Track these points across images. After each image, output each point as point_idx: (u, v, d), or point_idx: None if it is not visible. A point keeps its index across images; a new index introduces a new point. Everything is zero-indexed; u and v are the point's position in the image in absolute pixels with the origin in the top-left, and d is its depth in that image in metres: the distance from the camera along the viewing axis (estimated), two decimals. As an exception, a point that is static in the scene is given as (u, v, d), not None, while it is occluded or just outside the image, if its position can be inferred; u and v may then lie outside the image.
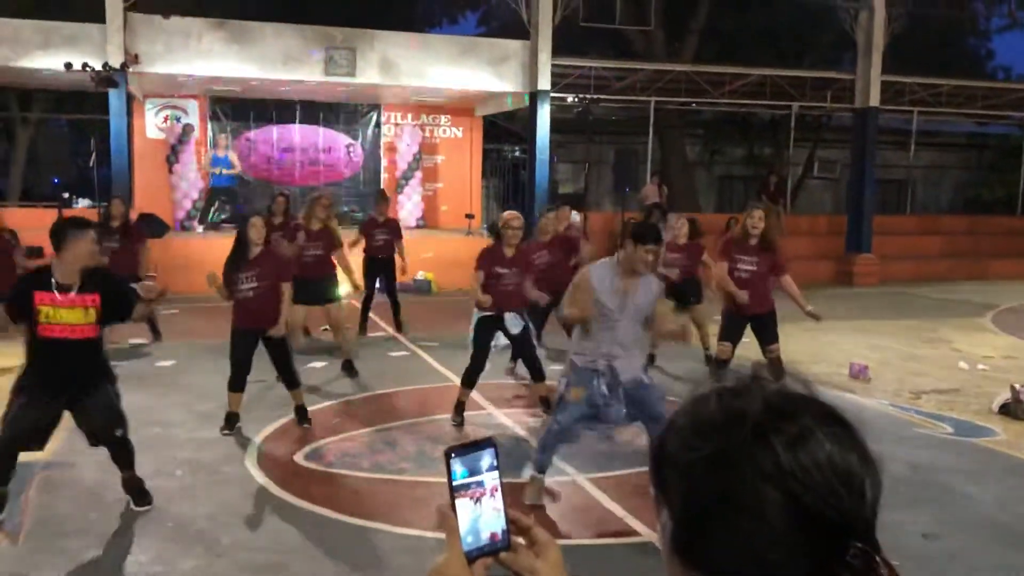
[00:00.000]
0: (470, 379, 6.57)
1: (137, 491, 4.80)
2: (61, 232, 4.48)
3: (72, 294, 4.43)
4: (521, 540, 0.97)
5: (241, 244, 6.26)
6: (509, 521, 0.97)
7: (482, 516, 0.95)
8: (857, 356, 9.04)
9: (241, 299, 6.19)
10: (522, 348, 6.69)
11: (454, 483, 0.94)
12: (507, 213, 6.74)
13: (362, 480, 5.36)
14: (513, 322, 6.45)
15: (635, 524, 4.72)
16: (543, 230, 8.49)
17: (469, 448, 0.96)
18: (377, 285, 10.17)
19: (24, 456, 5.60)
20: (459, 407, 6.59)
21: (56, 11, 14.29)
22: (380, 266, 10.05)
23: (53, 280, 4.43)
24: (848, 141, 19.21)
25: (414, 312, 10.48)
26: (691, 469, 0.78)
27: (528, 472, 5.03)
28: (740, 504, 0.75)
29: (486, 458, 0.96)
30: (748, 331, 7.03)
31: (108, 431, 4.64)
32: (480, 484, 0.95)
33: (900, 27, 17.22)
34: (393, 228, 10.17)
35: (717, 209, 23.58)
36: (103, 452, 4.97)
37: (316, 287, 8.07)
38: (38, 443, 4.61)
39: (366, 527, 4.59)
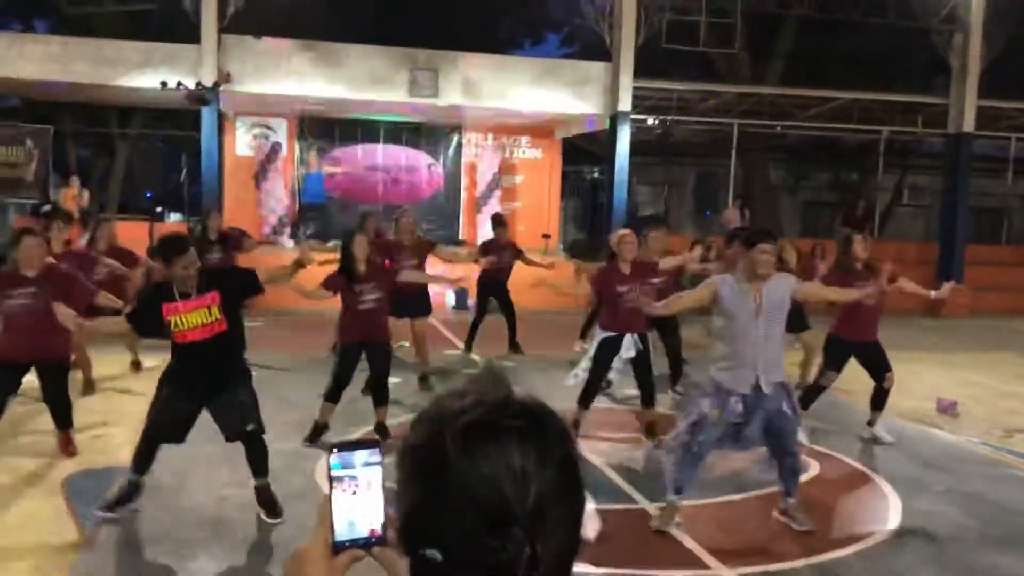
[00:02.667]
0: (587, 399, 6.52)
1: (268, 502, 4.86)
2: (161, 254, 4.76)
3: (192, 299, 4.65)
4: None
5: (347, 259, 6.39)
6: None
7: (359, 510, 1.01)
8: (945, 390, 8.69)
9: (360, 311, 6.34)
10: (640, 374, 6.60)
11: (331, 475, 1.01)
12: (622, 230, 6.75)
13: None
14: (631, 345, 6.40)
15: (706, 558, 4.59)
16: (651, 249, 8.25)
17: (351, 445, 1.03)
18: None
19: (105, 461, 5.81)
20: (573, 426, 6.52)
21: (155, 33, 14.91)
22: (495, 287, 10.17)
23: (175, 290, 4.67)
24: (940, 167, 18.59)
25: (496, 331, 10.48)
26: (404, 455, 0.94)
27: (668, 497, 4.95)
28: (429, 490, 0.89)
29: (365, 456, 1.02)
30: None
31: (240, 425, 4.78)
32: (354, 479, 1.01)
33: (998, 50, 16.63)
34: (515, 251, 10.34)
35: (802, 235, 23.03)
36: (180, 458, 5.10)
37: (412, 300, 8.19)
38: (177, 437, 4.83)
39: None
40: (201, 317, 4.66)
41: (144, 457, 4.79)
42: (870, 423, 7.02)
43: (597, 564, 4.50)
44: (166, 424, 4.74)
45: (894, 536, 4.98)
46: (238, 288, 4.89)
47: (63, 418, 5.99)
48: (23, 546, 4.47)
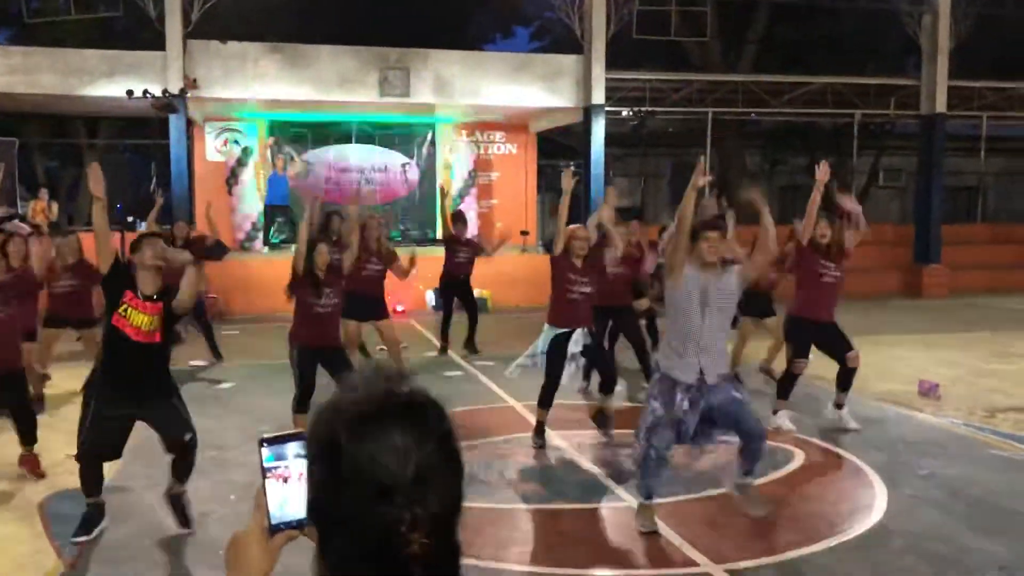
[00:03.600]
0: (546, 400, 6.42)
1: (182, 510, 4.80)
2: (135, 242, 4.80)
3: (147, 302, 4.63)
4: None
5: (309, 265, 6.27)
6: None
7: (291, 496, 1.13)
8: (927, 372, 8.70)
9: (315, 315, 6.21)
10: (595, 359, 6.56)
11: (264, 466, 1.13)
12: (573, 226, 6.62)
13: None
14: (579, 337, 6.33)
15: (693, 553, 4.54)
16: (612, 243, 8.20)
17: (280, 438, 1.15)
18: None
19: (79, 482, 5.69)
20: (539, 428, 6.47)
21: (120, 40, 14.69)
22: (458, 284, 10.11)
23: (138, 286, 4.66)
24: (914, 148, 18.68)
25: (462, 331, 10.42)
26: (309, 442, 1.09)
27: (635, 499, 4.92)
28: (328, 471, 1.04)
29: (295, 447, 1.14)
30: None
31: (179, 434, 4.71)
32: (287, 468, 1.14)
33: (967, 30, 16.70)
34: (474, 247, 10.32)
35: (780, 220, 22.87)
36: (157, 477, 5.00)
37: (371, 304, 8.13)
38: (114, 453, 4.78)
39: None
40: (143, 321, 4.63)
41: (89, 476, 4.70)
42: (837, 405, 6.96)
43: (585, 565, 4.45)
44: (99, 441, 4.64)
45: (880, 524, 4.95)
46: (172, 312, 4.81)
47: (27, 434, 5.88)
48: (1, 571, 4.36)
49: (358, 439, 1.03)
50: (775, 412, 6.89)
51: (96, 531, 4.71)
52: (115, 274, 4.69)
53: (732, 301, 4.80)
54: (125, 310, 4.61)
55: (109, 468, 5.82)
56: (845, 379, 6.87)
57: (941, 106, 16.61)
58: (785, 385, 6.97)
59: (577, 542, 4.77)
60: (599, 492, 5.52)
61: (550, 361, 6.37)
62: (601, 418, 6.66)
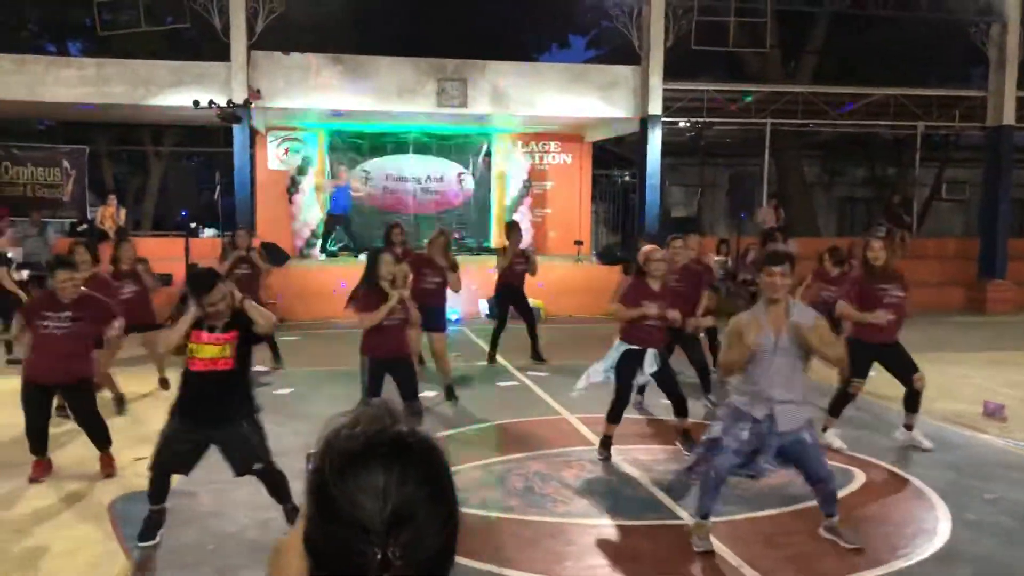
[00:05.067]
0: (615, 414, 6.44)
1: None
2: (192, 291, 4.78)
3: (215, 333, 4.68)
4: None
5: (372, 279, 6.43)
6: None
7: None
8: (991, 392, 8.50)
9: (380, 328, 6.37)
10: (666, 387, 6.56)
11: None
12: (648, 247, 6.66)
13: (468, 517, 5.30)
14: (652, 360, 6.34)
15: (750, 573, 4.51)
16: (672, 260, 8.13)
17: None
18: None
19: (145, 484, 5.86)
20: (605, 441, 6.49)
21: (185, 52, 15.07)
22: (512, 294, 10.18)
23: (205, 323, 4.71)
24: (980, 160, 18.25)
25: (525, 340, 10.45)
26: (308, 475, 1.10)
27: (692, 518, 4.92)
28: (317, 505, 1.07)
29: None
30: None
31: (245, 467, 4.84)
32: None
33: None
34: (527, 257, 10.39)
35: (838, 232, 22.76)
36: (222, 482, 5.12)
37: (431, 315, 8.23)
38: (183, 469, 4.88)
39: (469, 566, 4.54)
40: (214, 352, 4.70)
41: (156, 488, 4.84)
42: (907, 427, 6.87)
43: (640, 584, 4.45)
44: (168, 458, 4.79)
45: (944, 549, 4.86)
46: (253, 334, 4.85)
47: (99, 439, 6.08)
48: (72, 570, 4.51)
49: (341, 477, 1.05)
50: (824, 429, 6.81)
51: (158, 536, 4.84)
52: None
53: (799, 342, 4.67)
54: (191, 348, 4.69)
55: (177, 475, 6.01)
56: (911, 401, 6.77)
57: (1009, 118, 16.23)
58: (838, 403, 6.88)
59: (632, 559, 4.77)
60: (654, 509, 5.51)
61: (620, 376, 6.39)
62: (687, 439, 6.62)
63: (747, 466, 4.72)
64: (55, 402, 6.32)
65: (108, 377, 7.79)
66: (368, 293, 6.49)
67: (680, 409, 6.59)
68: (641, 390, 7.64)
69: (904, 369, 6.69)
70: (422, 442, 1.11)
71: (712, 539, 4.90)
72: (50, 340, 5.81)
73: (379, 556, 1.01)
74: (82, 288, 6.08)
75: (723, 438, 4.67)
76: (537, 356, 10.34)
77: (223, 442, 4.81)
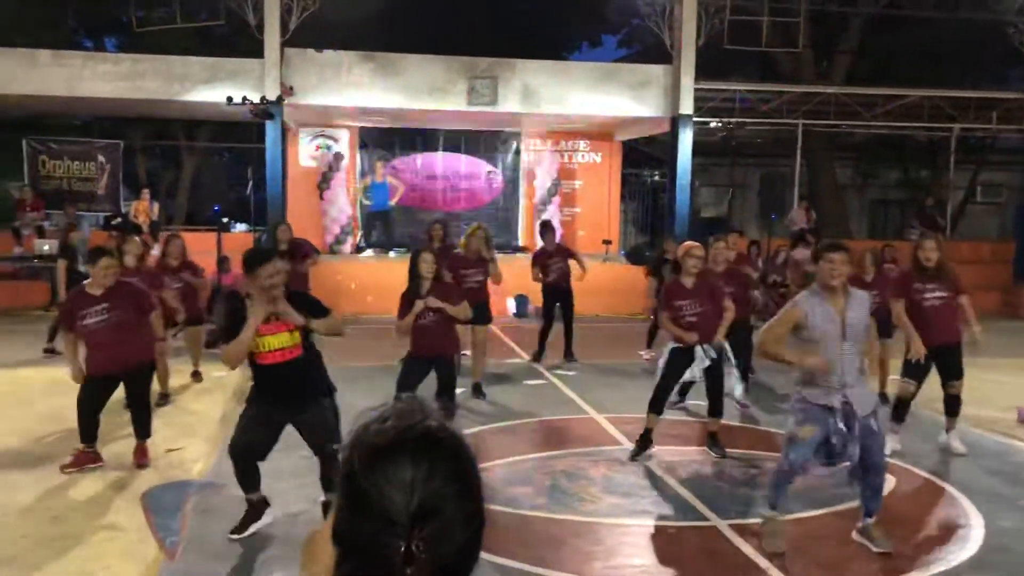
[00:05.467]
0: (658, 404, 6.47)
1: None
2: (247, 265, 4.72)
3: (276, 322, 4.67)
4: None
5: (414, 278, 6.50)
6: None
7: None
8: (1026, 399, 8.37)
9: (422, 326, 6.45)
10: (711, 383, 6.56)
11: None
12: (688, 242, 6.68)
13: (496, 514, 5.31)
14: (702, 356, 6.35)
15: (779, 576, 4.48)
16: (715, 260, 7.84)
17: None
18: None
19: (181, 474, 5.95)
20: (646, 434, 6.47)
21: (218, 48, 15.21)
22: (560, 294, 10.17)
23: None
24: (1017, 163, 17.98)
25: (551, 340, 10.44)
26: (340, 467, 1.12)
27: (764, 512, 4.90)
28: (346, 497, 1.09)
29: None
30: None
31: (322, 444, 4.83)
32: None
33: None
34: (565, 254, 10.38)
35: (870, 235, 22.54)
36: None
37: (475, 310, 8.24)
38: (261, 455, 4.88)
39: (498, 563, 4.55)
40: (281, 341, 4.71)
41: (243, 476, 4.85)
42: (947, 430, 6.82)
43: (668, 584, 4.44)
44: (243, 445, 4.79)
45: (976, 557, 4.80)
46: (312, 311, 4.85)
47: (144, 426, 6.16)
48: (109, 557, 4.58)
49: (370, 469, 1.07)
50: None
51: (253, 528, 4.85)
52: (234, 322, 4.70)
53: (863, 329, 4.71)
54: (257, 343, 4.67)
55: (205, 464, 6.08)
56: (949, 406, 6.71)
57: (1048, 120, 16.00)
58: (898, 409, 6.82)
59: (661, 560, 4.75)
60: (684, 510, 5.49)
61: (667, 369, 6.44)
62: (714, 442, 6.63)
63: (826, 457, 4.68)
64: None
65: (164, 365, 7.81)
66: (404, 295, 6.57)
67: (715, 409, 6.59)
68: (684, 391, 7.63)
69: (949, 373, 6.63)
70: (451, 438, 1.11)
71: (741, 541, 4.88)
72: (97, 335, 5.90)
73: (403, 548, 1.02)
74: (119, 279, 6.16)
75: (797, 432, 4.65)
76: (570, 356, 10.33)
77: (303, 423, 4.84)
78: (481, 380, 8.48)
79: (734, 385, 6.77)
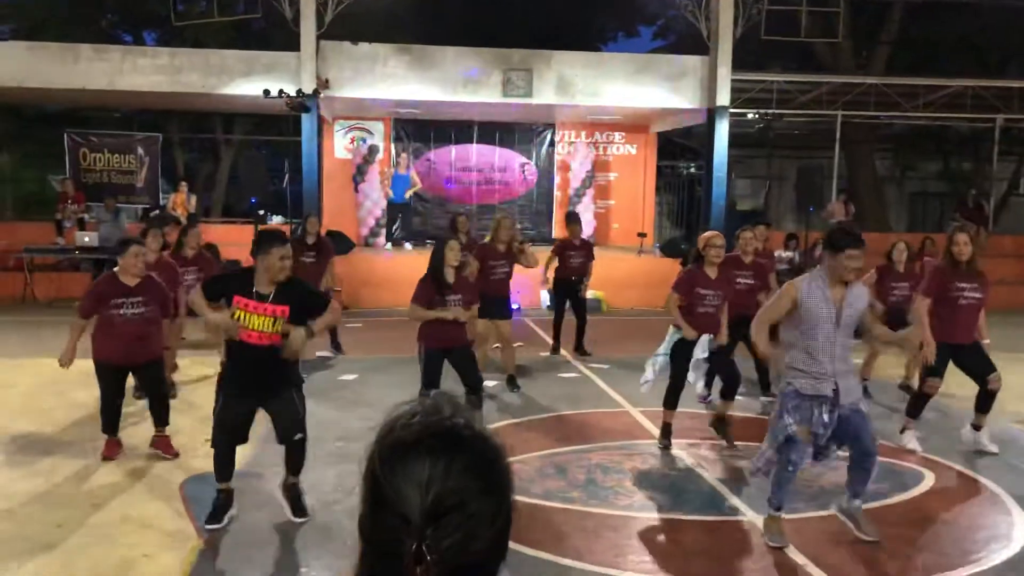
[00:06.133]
0: (672, 400, 6.47)
1: (295, 500, 5.00)
2: (259, 242, 4.83)
3: (266, 304, 4.72)
4: None
5: (438, 268, 6.49)
6: None
7: None
8: (1071, 395, 8.19)
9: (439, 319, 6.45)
10: (721, 368, 6.54)
11: None
12: (710, 232, 6.65)
13: (531, 507, 5.32)
14: (704, 345, 6.35)
15: (815, 572, 4.43)
16: (744, 250, 7.82)
17: None
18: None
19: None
20: (666, 430, 6.50)
21: (255, 41, 15.35)
22: (571, 287, 10.12)
23: (254, 287, 4.75)
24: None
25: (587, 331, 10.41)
26: (365, 461, 1.11)
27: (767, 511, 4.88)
28: (367, 492, 1.08)
29: None
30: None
31: (290, 434, 4.93)
32: None
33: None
34: (588, 250, 10.28)
35: (909, 228, 22.20)
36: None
37: (498, 304, 8.29)
38: (241, 437, 4.98)
39: (531, 556, 4.55)
40: (264, 324, 4.74)
41: (221, 464, 4.93)
42: (975, 427, 6.64)
43: (702, 579, 4.41)
44: (228, 426, 4.86)
45: (1019, 555, 4.71)
46: (308, 311, 4.90)
47: (162, 414, 6.23)
48: (147, 545, 4.65)
49: (389, 467, 1.06)
50: (903, 431, 6.65)
51: (226, 519, 4.93)
52: (216, 280, 4.88)
53: (856, 319, 4.69)
54: (238, 316, 4.73)
55: (243, 456, 6.14)
56: (984, 401, 6.55)
57: (1095, 110, 15.62)
58: (916, 404, 6.70)
59: (695, 554, 4.73)
60: (718, 504, 5.46)
61: (674, 363, 6.42)
62: (721, 425, 6.61)
63: (816, 456, 4.68)
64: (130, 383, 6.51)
65: (171, 357, 7.90)
66: (424, 281, 6.54)
67: (728, 391, 6.55)
68: (709, 384, 7.57)
69: (980, 369, 6.47)
70: (476, 435, 1.10)
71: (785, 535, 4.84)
72: (128, 325, 5.96)
73: (414, 547, 1.01)
74: (146, 272, 6.22)
75: (796, 432, 4.60)
76: (581, 350, 10.27)
77: (273, 408, 4.90)
78: (515, 372, 8.48)
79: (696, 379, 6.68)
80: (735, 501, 5.48)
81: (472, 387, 6.57)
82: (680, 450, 6.49)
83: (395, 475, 1.05)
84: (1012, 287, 15.37)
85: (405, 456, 1.06)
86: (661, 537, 4.97)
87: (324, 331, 4.98)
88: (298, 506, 5.00)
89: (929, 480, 5.96)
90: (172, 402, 6.64)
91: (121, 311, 5.95)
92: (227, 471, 4.96)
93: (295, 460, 5.01)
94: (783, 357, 4.81)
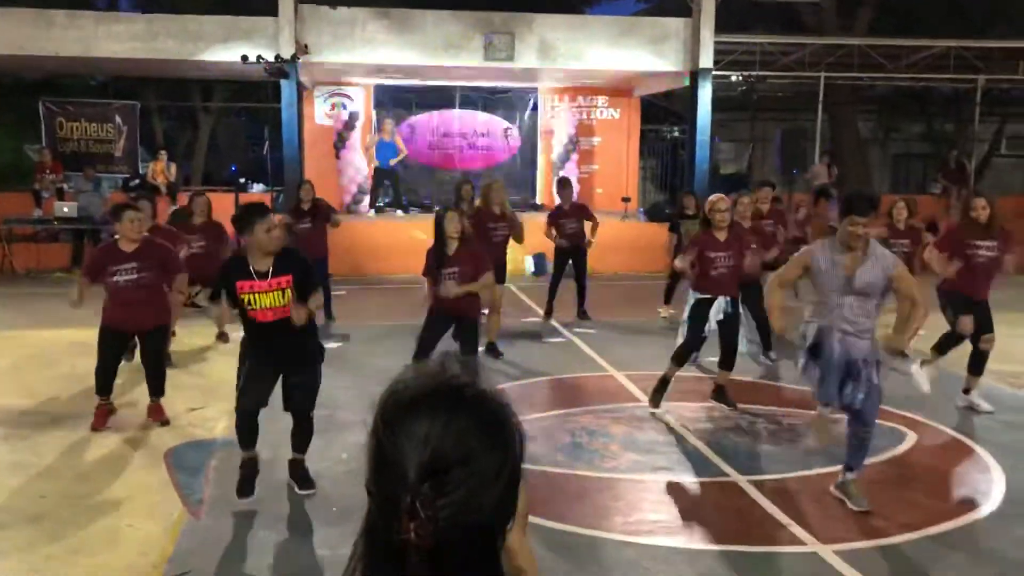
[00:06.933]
0: (681, 358, 6.50)
1: (302, 476, 4.99)
2: (242, 220, 4.75)
3: (269, 279, 4.68)
4: None
5: (440, 240, 6.47)
6: None
7: None
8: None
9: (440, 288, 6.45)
10: (725, 336, 6.55)
11: None
12: (713, 196, 6.67)
13: (517, 471, 5.34)
14: (719, 308, 6.38)
15: (799, 531, 4.48)
16: (742, 215, 7.69)
17: None
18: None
19: (204, 434, 6.00)
20: (663, 382, 6.49)
21: (233, 6, 15.09)
22: (570, 253, 10.11)
23: (251, 267, 4.70)
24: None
25: (570, 298, 10.41)
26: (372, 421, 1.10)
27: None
28: (371, 449, 1.08)
29: None
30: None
31: (301, 407, 4.92)
32: None
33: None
34: (580, 213, 10.24)
35: (892, 189, 22.26)
36: (275, 433, 5.20)
37: (496, 268, 8.23)
38: (263, 401, 4.89)
39: (521, 520, 4.57)
40: (274, 300, 4.70)
41: (244, 431, 4.86)
42: (966, 390, 6.74)
43: (688, 539, 4.45)
44: (252, 390, 4.79)
45: (998, 511, 4.78)
46: (306, 278, 4.84)
47: (158, 384, 6.22)
48: (133, 515, 4.64)
49: (390, 424, 1.06)
50: (922, 363, 6.72)
51: (256, 490, 4.84)
52: (218, 289, 4.83)
53: (875, 289, 4.65)
54: (248, 300, 4.69)
55: (227, 424, 6.13)
56: (976, 362, 6.64)
57: (1077, 70, 15.63)
58: (948, 344, 6.83)
59: (680, 515, 4.77)
60: (704, 466, 5.49)
61: (692, 325, 6.46)
62: (720, 394, 6.65)
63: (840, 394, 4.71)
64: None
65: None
66: (430, 253, 6.56)
67: (726, 361, 6.59)
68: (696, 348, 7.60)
69: (980, 327, 6.56)
70: (478, 393, 1.09)
71: (761, 496, 4.89)
72: (124, 292, 5.94)
73: (409, 503, 1.00)
74: (144, 234, 6.17)
75: (818, 373, 4.72)
76: (583, 314, 10.29)
77: (292, 379, 4.85)
78: (496, 340, 8.47)
79: (743, 342, 6.74)
80: (719, 462, 5.52)
81: (468, 351, 6.57)
82: (666, 413, 6.52)
83: (396, 435, 1.05)
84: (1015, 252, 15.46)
85: (406, 415, 1.06)
86: (647, 499, 5.01)
87: (320, 308, 4.95)
88: (305, 482, 4.97)
89: (910, 440, 6.03)
90: (187, 368, 6.63)
91: (116, 278, 5.94)
92: (251, 438, 4.87)
93: (304, 435, 4.99)
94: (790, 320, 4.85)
